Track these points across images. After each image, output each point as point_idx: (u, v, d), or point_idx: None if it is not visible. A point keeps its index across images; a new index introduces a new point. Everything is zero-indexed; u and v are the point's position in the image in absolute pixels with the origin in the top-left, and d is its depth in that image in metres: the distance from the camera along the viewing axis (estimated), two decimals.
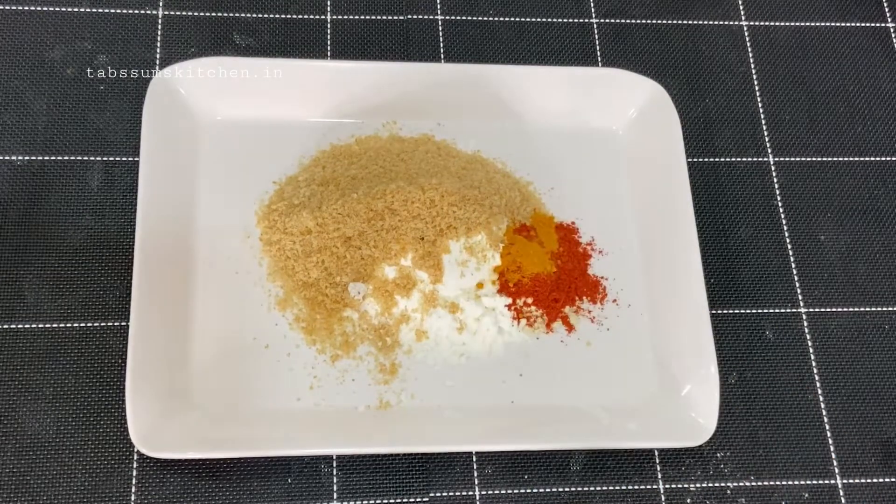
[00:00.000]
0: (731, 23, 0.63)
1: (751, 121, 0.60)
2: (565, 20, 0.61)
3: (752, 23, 0.63)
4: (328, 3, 0.59)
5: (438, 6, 0.60)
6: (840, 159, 0.59)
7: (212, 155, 0.53)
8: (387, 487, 0.48)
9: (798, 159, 0.59)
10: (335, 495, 0.47)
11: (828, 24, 0.63)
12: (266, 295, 0.51)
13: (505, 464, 0.49)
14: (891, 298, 0.56)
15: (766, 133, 0.60)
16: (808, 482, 0.50)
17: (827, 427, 0.52)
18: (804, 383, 0.53)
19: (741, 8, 0.63)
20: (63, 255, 0.50)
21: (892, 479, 0.51)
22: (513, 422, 0.49)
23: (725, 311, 0.54)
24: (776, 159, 0.59)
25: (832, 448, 0.51)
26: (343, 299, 0.50)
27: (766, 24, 0.63)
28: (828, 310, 0.55)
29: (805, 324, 0.54)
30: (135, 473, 0.46)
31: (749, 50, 0.62)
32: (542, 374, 0.51)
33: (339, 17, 0.59)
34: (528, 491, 0.48)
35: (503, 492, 0.48)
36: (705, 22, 0.63)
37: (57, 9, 0.57)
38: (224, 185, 0.53)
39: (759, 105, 0.60)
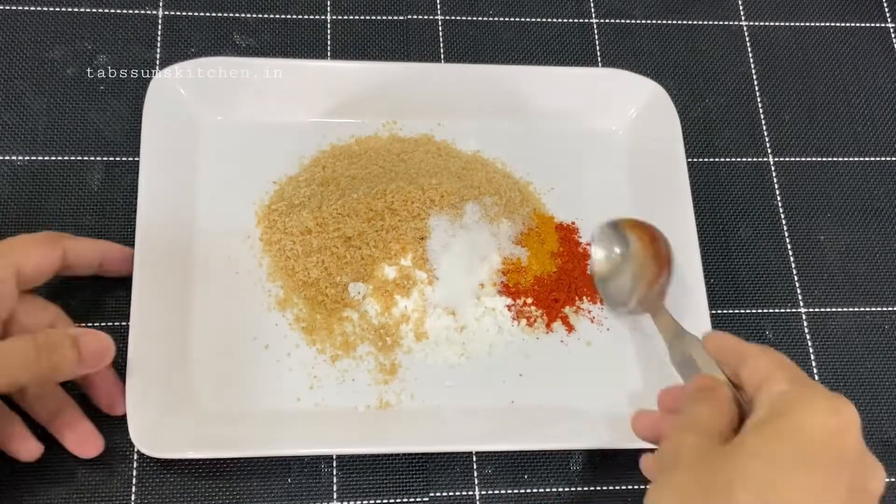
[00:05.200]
0: (731, 23, 0.63)
1: (751, 121, 0.60)
2: (565, 20, 0.61)
3: (751, 23, 0.63)
4: (328, 3, 0.59)
5: (438, 6, 0.60)
6: (840, 159, 0.59)
7: (212, 155, 0.53)
8: (387, 487, 0.48)
9: (798, 159, 0.59)
10: (335, 495, 0.47)
11: (828, 24, 0.63)
12: (266, 295, 0.51)
13: (505, 464, 0.49)
14: (891, 298, 0.56)
15: (766, 133, 0.60)
16: None
17: None
18: None
19: (741, 8, 0.63)
20: None
21: (892, 479, 0.51)
22: (513, 422, 0.49)
23: (725, 311, 0.54)
24: (776, 159, 0.59)
25: None
26: (343, 299, 0.50)
27: (766, 24, 0.63)
28: (828, 310, 0.55)
29: (805, 324, 0.54)
30: (135, 473, 0.46)
31: (749, 50, 0.62)
32: (542, 374, 0.51)
33: (339, 17, 0.59)
34: (528, 491, 0.48)
35: (503, 492, 0.48)
36: (705, 22, 0.63)
37: (57, 9, 0.57)
38: (224, 185, 0.53)
39: (759, 105, 0.61)
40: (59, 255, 0.45)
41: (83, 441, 0.45)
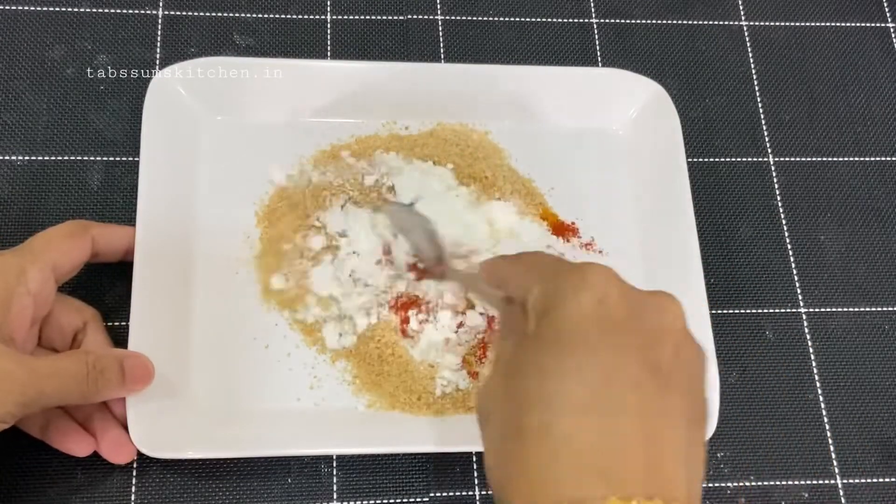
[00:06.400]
0: (731, 23, 0.63)
1: (751, 121, 0.60)
2: (565, 20, 0.61)
3: (752, 23, 0.63)
4: (328, 3, 0.59)
5: (438, 6, 0.60)
6: (840, 159, 0.59)
7: (212, 155, 0.53)
8: (387, 487, 0.48)
9: (798, 159, 0.59)
10: (335, 495, 0.47)
11: (828, 24, 0.63)
12: None
13: None
14: (891, 298, 0.56)
15: (766, 133, 0.60)
16: (808, 482, 0.50)
17: (827, 427, 0.52)
18: (804, 383, 0.53)
19: (741, 8, 0.63)
20: None
21: (892, 479, 0.51)
22: None
23: (725, 311, 0.54)
24: (776, 159, 0.59)
25: (832, 448, 0.51)
26: None
27: (766, 24, 0.63)
28: (828, 310, 0.55)
29: (805, 324, 0.54)
30: (135, 473, 0.47)
31: (749, 50, 0.62)
32: None
33: (339, 17, 0.59)
34: None
35: None
36: (705, 22, 0.63)
37: (57, 9, 0.57)
38: (224, 185, 0.53)
39: (759, 105, 0.60)
40: (89, 245, 0.45)
41: (117, 447, 0.45)
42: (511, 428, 0.31)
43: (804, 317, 0.55)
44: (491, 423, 0.33)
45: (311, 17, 0.59)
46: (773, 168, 0.59)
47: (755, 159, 0.59)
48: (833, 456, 0.51)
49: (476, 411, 0.35)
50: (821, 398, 0.52)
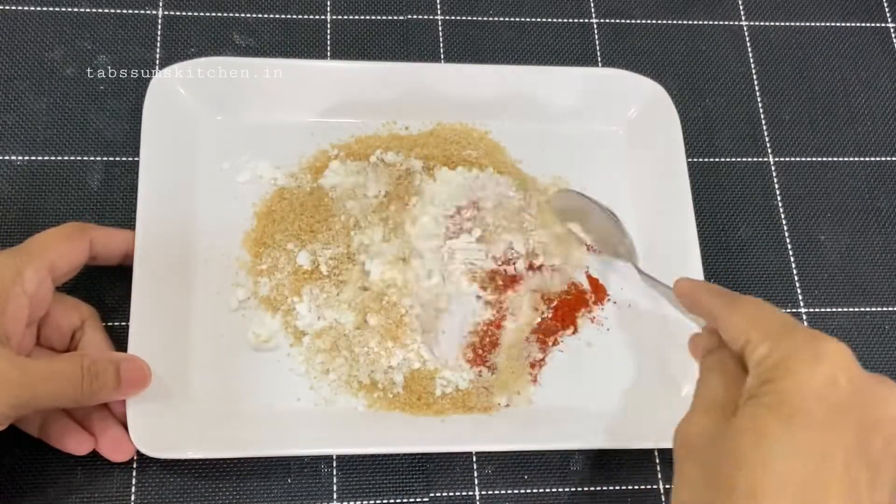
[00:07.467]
0: (731, 23, 0.63)
1: (751, 121, 0.60)
2: (565, 20, 0.61)
3: (752, 23, 0.63)
4: (328, 3, 0.59)
5: (438, 6, 0.60)
6: (840, 159, 0.59)
7: (212, 155, 0.53)
8: (387, 487, 0.48)
9: (798, 159, 0.59)
10: (335, 495, 0.47)
11: (828, 24, 0.63)
12: None
13: (505, 464, 0.49)
14: (891, 298, 0.56)
15: (766, 133, 0.60)
16: None
17: None
18: None
19: (741, 8, 0.63)
20: None
21: None
22: (513, 422, 0.49)
23: None
24: (776, 159, 0.59)
25: None
26: None
27: (766, 24, 0.63)
28: (828, 310, 0.55)
29: (805, 324, 0.54)
30: (135, 473, 0.46)
31: (749, 50, 0.62)
32: (542, 375, 0.51)
33: (339, 17, 0.59)
34: (528, 491, 0.48)
35: (503, 492, 0.48)
36: (705, 22, 0.63)
37: (57, 9, 0.57)
38: (224, 185, 0.53)
39: (759, 105, 0.60)
40: (87, 248, 0.45)
41: (116, 445, 0.45)
42: (717, 479, 0.32)
43: (804, 317, 0.55)
44: (692, 461, 0.34)
45: (311, 17, 0.59)
46: (773, 168, 0.59)
47: (755, 159, 0.59)
48: None
49: (675, 442, 0.35)
50: None
